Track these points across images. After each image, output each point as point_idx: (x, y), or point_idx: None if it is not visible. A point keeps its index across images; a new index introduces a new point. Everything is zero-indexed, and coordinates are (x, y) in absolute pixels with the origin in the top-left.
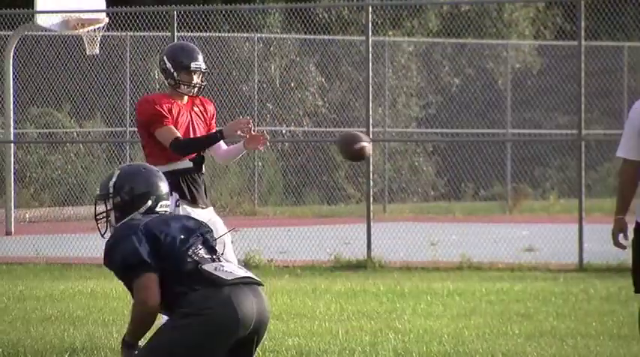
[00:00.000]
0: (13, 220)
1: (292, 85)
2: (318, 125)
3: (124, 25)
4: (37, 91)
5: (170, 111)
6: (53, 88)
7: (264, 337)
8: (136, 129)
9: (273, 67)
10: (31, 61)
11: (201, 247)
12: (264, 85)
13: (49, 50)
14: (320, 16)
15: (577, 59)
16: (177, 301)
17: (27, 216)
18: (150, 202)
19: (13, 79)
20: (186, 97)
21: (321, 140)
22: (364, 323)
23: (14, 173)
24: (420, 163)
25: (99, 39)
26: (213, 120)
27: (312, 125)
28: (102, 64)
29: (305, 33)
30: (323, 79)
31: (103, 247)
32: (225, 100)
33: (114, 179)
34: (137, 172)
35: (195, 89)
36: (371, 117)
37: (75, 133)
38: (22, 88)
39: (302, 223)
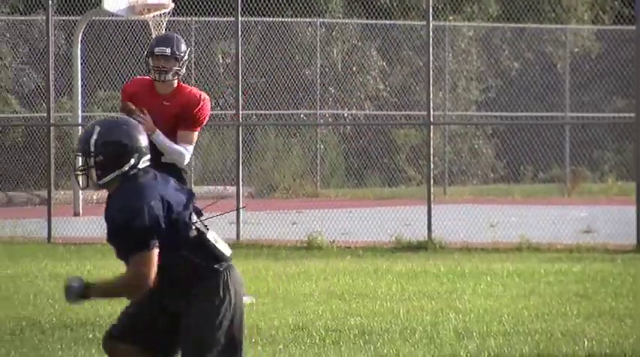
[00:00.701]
0: (81, 201)
1: (354, 69)
2: (379, 109)
3: (189, 11)
4: (104, 74)
5: (131, 96)
6: (120, 71)
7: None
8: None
9: (335, 52)
10: (98, 45)
11: (195, 214)
12: (327, 69)
13: (116, 35)
14: (381, 1)
15: (635, 43)
16: (181, 266)
17: (94, 197)
18: (133, 160)
19: (81, 64)
20: (169, 88)
21: (382, 123)
22: (425, 303)
23: None
24: (480, 145)
25: (164, 24)
26: (191, 116)
27: (374, 109)
28: None
29: (366, 18)
30: (384, 64)
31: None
32: (289, 84)
33: (95, 137)
34: (118, 127)
35: (159, 74)
36: (431, 100)
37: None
38: (90, 72)
39: (363, 205)
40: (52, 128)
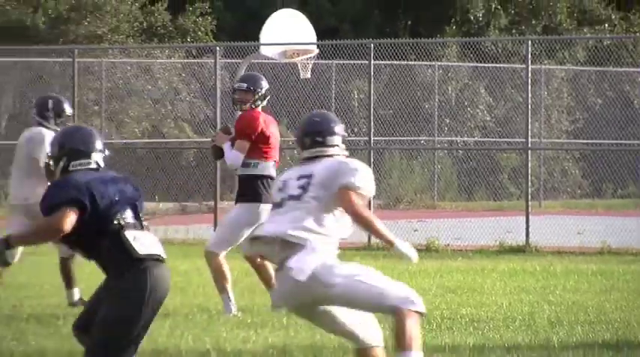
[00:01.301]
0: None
1: (465, 103)
2: (486, 136)
3: (330, 55)
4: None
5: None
6: (274, 105)
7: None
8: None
9: (450, 89)
10: None
11: (129, 213)
12: (443, 104)
13: (271, 74)
14: (489, 48)
15: None
16: (106, 258)
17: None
18: (65, 158)
19: None
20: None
21: (488, 148)
22: (523, 296)
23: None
24: (569, 167)
25: (310, 66)
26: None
27: (481, 136)
28: (312, 86)
29: (476, 61)
30: (490, 99)
31: None
32: (412, 115)
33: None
34: (61, 133)
35: (237, 105)
36: (529, 130)
37: (290, 142)
38: None
39: (473, 215)
40: None
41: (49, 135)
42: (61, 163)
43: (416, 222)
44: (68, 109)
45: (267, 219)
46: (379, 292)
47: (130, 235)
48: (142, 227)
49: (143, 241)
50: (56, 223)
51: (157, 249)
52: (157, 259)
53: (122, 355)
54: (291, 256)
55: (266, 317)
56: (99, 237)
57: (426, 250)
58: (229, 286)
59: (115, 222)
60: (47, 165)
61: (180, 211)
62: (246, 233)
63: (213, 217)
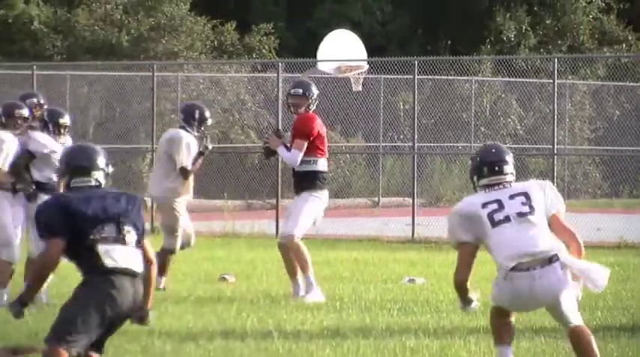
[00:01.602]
0: None
1: (499, 113)
2: (516, 143)
3: (379, 70)
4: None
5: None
6: (328, 114)
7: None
8: (387, 144)
9: (485, 101)
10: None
11: (108, 228)
12: (478, 114)
13: (327, 87)
14: (519, 65)
15: None
16: (80, 265)
17: None
18: (67, 176)
19: None
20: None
21: (518, 154)
22: None
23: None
24: (590, 170)
25: (361, 80)
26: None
27: (512, 143)
28: (363, 98)
29: (509, 77)
30: (521, 110)
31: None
32: (451, 124)
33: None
34: (77, 149)
35: (293, 108)
36: (555, 137)
37: (343, 146)
38: None
39: None
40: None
41: (186, 137)
42: (65, 180)
43: None
44: (210, 120)
45: None
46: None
47: (102, 249)
48: (123, 241)
49: (114, 255)
50: (48, 259)
51: (128, 263)
52: (126, 273)
53: (70, 345)
54: None
55: (320, 302)
56: (75, 249)
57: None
58: (310, 266)
59: (92, 237)
60: (182, 168)
61: (246, 207)
62: (313, 220)
63: (275, 213)
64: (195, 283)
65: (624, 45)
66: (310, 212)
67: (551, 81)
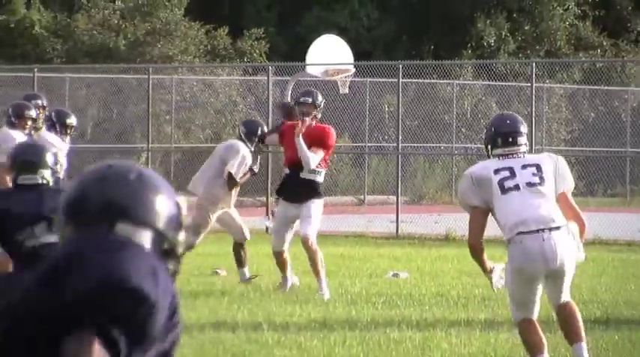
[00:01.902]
0: None
1: (479, 116)
2: None
3: (365, 74)
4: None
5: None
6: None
7: None
8: (373, 144)
9: (466, 104)
10: None
11: (41, 226)
12: (460, 116)
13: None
14: (499, 69)
15: None
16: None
17: None
18: (29, 174)
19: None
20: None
21: None
22: None
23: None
24: None
25: (348, 83)
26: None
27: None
28: (349, 100)
29: (489, 80)
30: (500, 112)
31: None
32: (433, 125)
33: None
34: (26, 146)
35: (303, 116)
36: (533, 138)
37: None
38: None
39: None
40: (269, 154)
41: (244, 150)
42: (12, 176)
43: (436, 215)
44: (266, 138)
45: None
46: None
47: (29, 243)
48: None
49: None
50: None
51: None
52: None
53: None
54: None
55: (309, 295)
56: (7, 248)
57: (445, 240)
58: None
59: (19, 237)
60: (230, 174)
61: (238, 204)
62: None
63: (265, 210)
64: (188, 277)
65: (599, 50)
66: (320, 218)
67: (529, 84)
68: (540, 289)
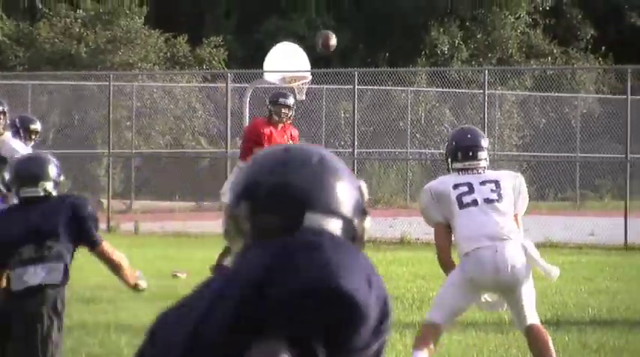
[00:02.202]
0: None
1: (433, 122)
2: None
3: (321, 80)
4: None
5: (266, 134)
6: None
7: None
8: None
9: (420, 110)
10: (260, 103)
11: (27, 250)
12: (414, 122)
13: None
14: (452, 76)
15: (624, 108)
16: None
17: None
18: (31, 187)
19: (249, 115)
20: (281, 124)
21: None
22: None
23: None
24: None
25: (305, 89)
26: (297, 141)
27: (445, 149)
28: (306, 106)
29: (442, 87)
30: (454, 118)
31: None
32: (388, 131)
33: None
34: (26, 159)
35: (279, 117)
36: None
37: None
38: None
39: None
40: (228, 159)
41: None
42: (14, 189)
43: (391, 219)
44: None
45: None
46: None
47: (18, 271)
48: (41, 259)
49: (25, 278)
50: None
51: (36, 280)
52: (35, 289)
53: None
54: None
55: None
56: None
57: (400, 243)
58: None
59: (16, 256)
60: None
61: (197, 208)
62: None
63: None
64: (149, 279)
65: (550, 58)
66: None
67: (482, 91)
68: (473, 300)
